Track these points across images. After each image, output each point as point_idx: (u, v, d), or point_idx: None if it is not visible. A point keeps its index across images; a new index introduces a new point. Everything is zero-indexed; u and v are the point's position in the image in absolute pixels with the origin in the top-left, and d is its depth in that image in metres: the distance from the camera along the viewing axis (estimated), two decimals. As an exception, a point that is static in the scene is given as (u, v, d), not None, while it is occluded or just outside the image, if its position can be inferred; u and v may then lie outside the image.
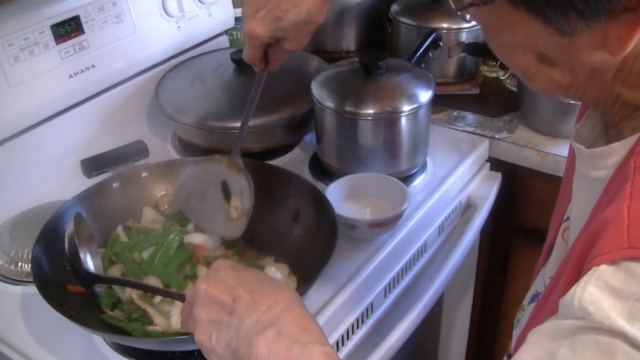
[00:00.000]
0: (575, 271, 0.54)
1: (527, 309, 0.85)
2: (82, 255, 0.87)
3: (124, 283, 0.90)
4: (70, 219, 0.96)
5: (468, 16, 0.64)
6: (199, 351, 0.86)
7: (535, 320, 0.67)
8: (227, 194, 0.99)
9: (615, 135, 0.64)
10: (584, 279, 0.50)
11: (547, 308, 0.63)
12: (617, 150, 0.61)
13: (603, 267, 0.49)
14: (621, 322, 0.47)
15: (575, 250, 0.57)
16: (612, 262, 0.49)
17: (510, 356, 0.74)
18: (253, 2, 0.89)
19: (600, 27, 0.53)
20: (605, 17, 0.52)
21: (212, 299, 0.67)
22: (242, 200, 0.98)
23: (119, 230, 1.00)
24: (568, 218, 0.76)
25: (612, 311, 0.48)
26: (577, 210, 0.70)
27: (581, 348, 0.49)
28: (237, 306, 0.65)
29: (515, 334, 0.87)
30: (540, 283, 0.84)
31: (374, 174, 1.10)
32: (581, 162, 0.67)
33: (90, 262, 0.88)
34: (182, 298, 0.75)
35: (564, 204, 0.78)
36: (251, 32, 0.89)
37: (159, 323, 0.87)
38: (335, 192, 1.05)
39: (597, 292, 0.49)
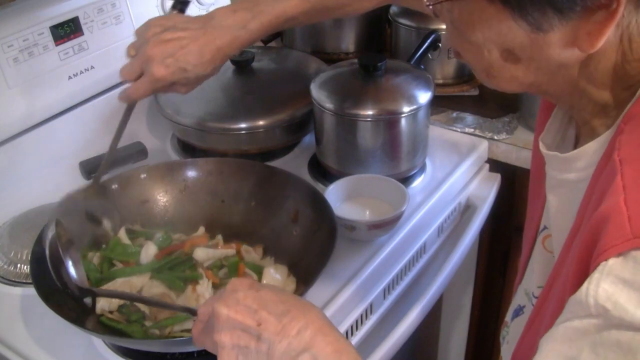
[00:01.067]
0: (579, 271, 0.53)
1: (511, 325, 0.85)
2: (65, 264, 0.84)
3: (119, 296, 0.87)
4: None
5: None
6: (199, 352, 0.86)
7: (532, 331, 0.67)
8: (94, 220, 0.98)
9: (588, 134, 0.64)
10: (595, 275, 0.50)
11: (542, 317, 0.63)
12: (594, 149, 0.61)
13: (612, 261, 0.49)
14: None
15: (573, 251, 0.56)
16: (620, 255, 0.49)
17: None
18: (165, 39, 0.90)
19: (572, 24, 0.54)
20: (579, 14, 0.53)
21: (235, 324, 0.62)
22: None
23: (122, 233, 0.99)
24: (545, 227, 0.76)
25: (629, 305, 0.48)
26: (557, 216, 0.70)
27: (604, 352, 0.49)
28: (264, 331, 0.61)
29: (505, 350, 0.86)
30: (521, 297, 0.83)
31: (373, 175, 1.10)
32: (554, 167, 0.68)
33: (72, 270, 0.85)
34: (191, 312, 0.72)
35: (536, 214, 0.78)
36: (155, 74, 0.90)
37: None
38: (334, 193, 1.05)
39: (610, 287, 0.48)
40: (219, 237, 1.00)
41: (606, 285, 0.49)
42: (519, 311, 0.83)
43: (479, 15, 0.58)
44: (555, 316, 0.54)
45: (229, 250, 0.97)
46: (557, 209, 0.70)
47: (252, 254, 0.98)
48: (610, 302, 0.48)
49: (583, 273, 0.52)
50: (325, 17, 0.99)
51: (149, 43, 0.90)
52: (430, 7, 0.61)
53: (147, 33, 0.92)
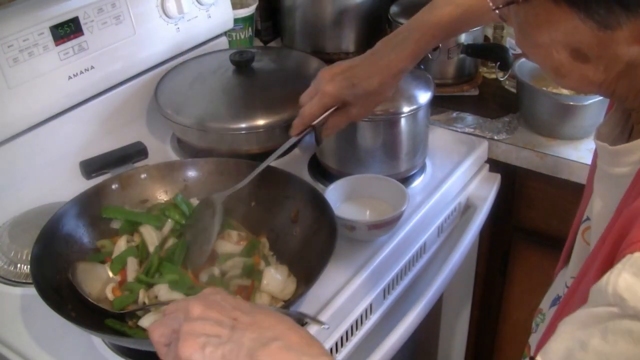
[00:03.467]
0: (606, 262, 0.54)
1: (547, 313, 0.85)
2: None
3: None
4: (69, 220, 0.96)
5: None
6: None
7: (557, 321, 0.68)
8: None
9: (638, 132, 0.65)
10: (618, 266, 0.50)
11: (570, 308, 0.64)
12: None
13: (637, 255, 0.50)
14: None
15: (605, 244, 0.57)
16: None
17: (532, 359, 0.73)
18: (334, 67, 0.96)
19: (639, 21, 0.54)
20: None
21: (208, 318, 0.61)
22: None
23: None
24: (588, 218, 0.76)
25: None
26: (599, 208, 0.70)
27: (613, 338, 0.49)
28: (238, 324, 0.61)
29: (534, 338, 0.86)
30: (560, 286, 0.83)
31: (373, 175, 1.10)
32: (604, 160, 0.68)
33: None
34: None
35: (583, 205, 0.78)
36: (324, 89, 0.94)
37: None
38: (334, 193, 1.05)
39: (631, 278, 0.49)
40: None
41: (627, 276, 0.49)
42: (556, 301, 0.83)
43: (545, 17, 0.58)
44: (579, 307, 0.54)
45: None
46: (600, 202, 0.70)
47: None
48: (628, 292, 0.49)
49: (609, 265, 0.52)
50: (472, 25, 1.04)
51: (321, 72, 0.97)
52: (497, 11, 0.62)
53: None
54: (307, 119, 0.96)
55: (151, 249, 0.97)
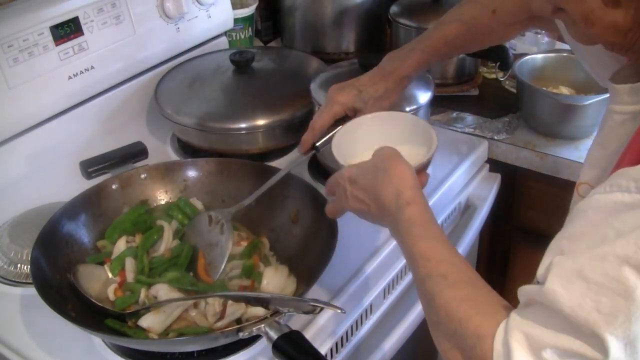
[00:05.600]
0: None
1: None
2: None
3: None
4: (69, 220, 0.96)
5: None
6: (199, 352, 0.86)
7: None
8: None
9: None
10: None
11: None
12: None
13: None
14: None
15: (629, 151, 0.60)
16: None
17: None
18: (343, 83, 1.00)
19: None
20: None
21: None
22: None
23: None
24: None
25: None
26: (597, 157, 0.72)
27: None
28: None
29: None
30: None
31: (391, 112, 0.98)
32: (622, 101, 0.69)
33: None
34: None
35: None
36: (334, 97, 0.98)
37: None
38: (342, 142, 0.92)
39: None
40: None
41: None
42: None
43: None
44: None
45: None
46: (600, 151, 0.72)
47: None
48: None
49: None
50: (477, 44, 1.06)
51: (330, 89, 1.01)
52: None
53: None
54: (317, 130, 0.98)
55: (162, 247, 0.98)
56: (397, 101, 1.02)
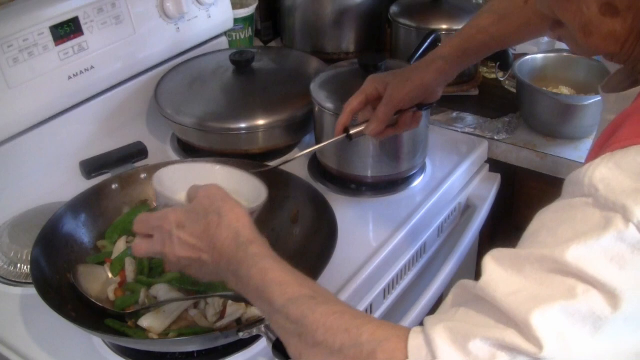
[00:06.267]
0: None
1: None
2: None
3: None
4: (69, 220, 0.96)
5: None
6: (199, 352, 0.86)
7: None
8: None
9: None
10: (597, 161, 0.53)
11: None
12: None
13: (617, 152, 0.52)
14: (624, 197, 0.50)
15: (591, 152, 0.61)
16: (625, 147, 0.52)
17: None
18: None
19: None
20: None
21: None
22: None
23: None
24: None
25: (618, 187, 0.51)
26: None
27: (582, 216, 0.53)
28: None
29: None
30: None
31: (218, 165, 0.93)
32: (612, 110, 0.69)
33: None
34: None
35: None
36: (367, 80, 0.99)
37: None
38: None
39: (607, 171, 0.52)
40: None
41: (603, 169, 0.52)
42: None
43: None
44: None
45: None
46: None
47: None
48: (602, 183, 0.52)
49: None
50: (515, 36, 1.04)
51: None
52: None
53: None
54: (347, 113, 0.98)
55: None
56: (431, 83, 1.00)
